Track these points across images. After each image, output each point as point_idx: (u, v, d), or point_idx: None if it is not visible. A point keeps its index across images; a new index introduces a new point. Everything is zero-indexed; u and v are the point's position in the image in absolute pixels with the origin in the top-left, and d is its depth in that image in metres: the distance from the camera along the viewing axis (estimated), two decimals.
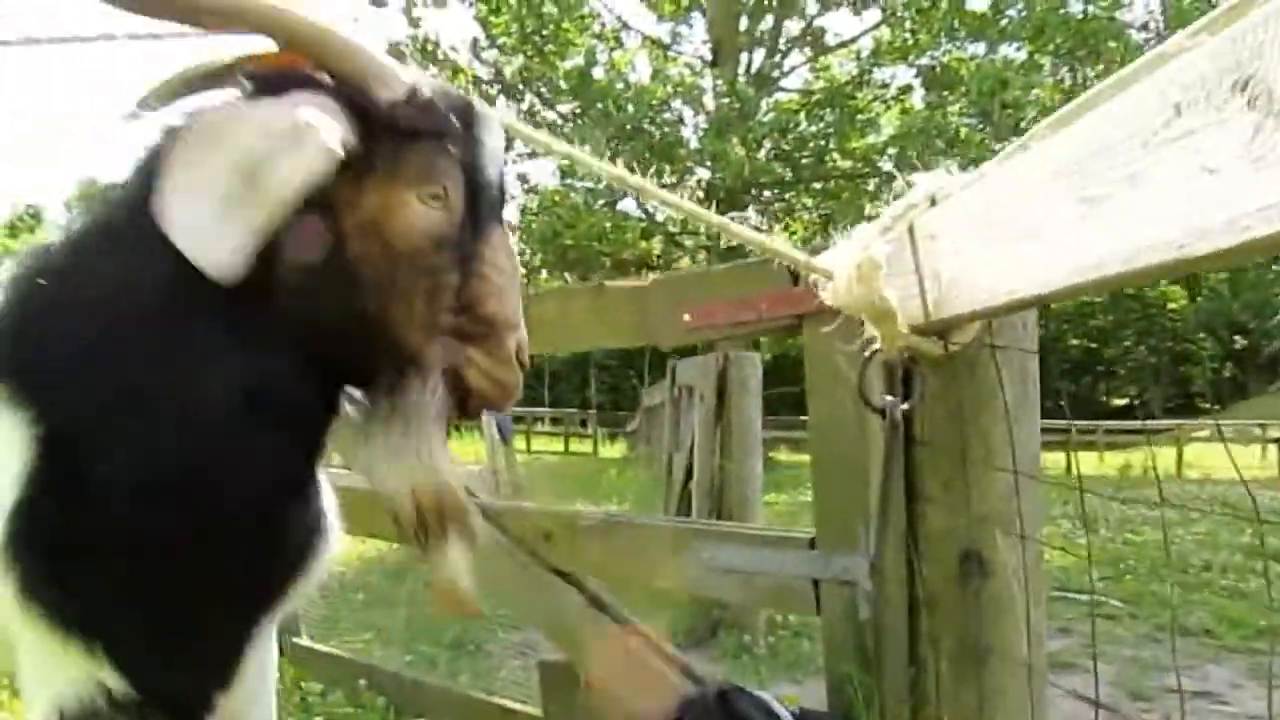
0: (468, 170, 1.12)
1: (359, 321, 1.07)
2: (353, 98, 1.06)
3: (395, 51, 16.84)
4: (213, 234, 0.95)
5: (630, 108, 15.30)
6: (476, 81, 17.32)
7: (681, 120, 16.41)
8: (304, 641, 3.61)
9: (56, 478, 1.05)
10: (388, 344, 1.08)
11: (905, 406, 1.51)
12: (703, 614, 4.80)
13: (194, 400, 1.03)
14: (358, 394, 1.14)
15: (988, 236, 1.12)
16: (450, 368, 1.11)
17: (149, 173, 1.03)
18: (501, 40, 17.52)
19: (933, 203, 1.32)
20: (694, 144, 16.00)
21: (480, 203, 1.13)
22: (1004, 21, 16.25)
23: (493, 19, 17.51)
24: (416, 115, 1.08)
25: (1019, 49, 16.47)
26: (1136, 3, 16.65)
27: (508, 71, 17.32)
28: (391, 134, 1.07)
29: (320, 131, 0.98)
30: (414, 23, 17.26)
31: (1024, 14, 15.93)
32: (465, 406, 1.15)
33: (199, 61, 1.10)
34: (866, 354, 1.48)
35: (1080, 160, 0.91)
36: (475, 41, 17.53)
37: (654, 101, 15.64)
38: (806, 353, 1.85)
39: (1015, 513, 1.48)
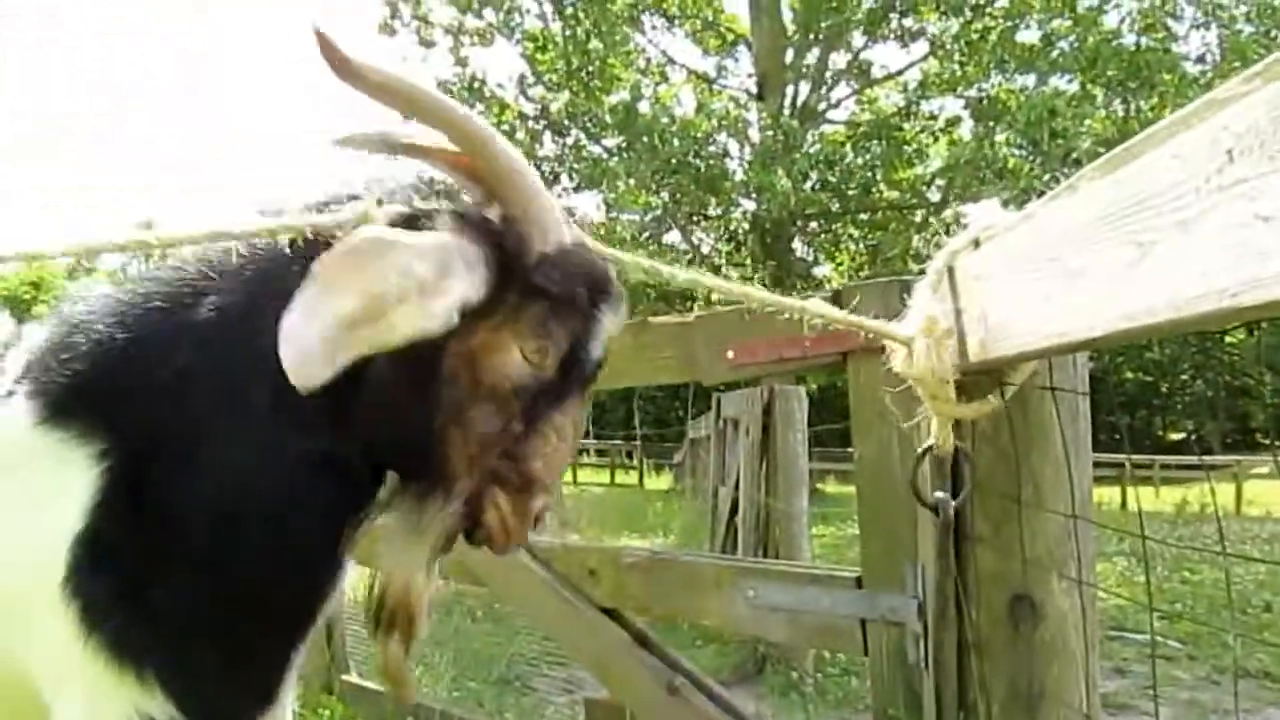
0: (575, 342, 1.16)
1: (418, 430, 1.13)
2: (505, 243, 1.11)
3: (443, 90, 17.16)
4: (315, 352, 0.99)
5: (675, 141, 15.39)
6: (523, 118, 17.55)
7: (727, 153, 16.47)
8: (353, 679, 3.63)
9: (124, 510, 1.11)
10: (432, 459, 1.14)
11: (956, 503, 1.51)
12: (750, 651, 4.75)
13: (262, 447, 1.13)
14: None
15: (1036, 277, 1.12)
16: (474, 498, 1.16)
17: (270, 268, 1.14)
18: (547, 76, 17.75)
19: (976, 245, 1.32)
20: (739, 176, 16.04)
21: (572, 373, 1.18)
22: (1055, 53, 16.12)
23: (539, 56, 17.76)
24: (557, 278, 1.12)
25: (1070, 81, 16.32)
26: (1192, 35, 16.40)
27: (553, 108, 17.52)
28: (525, 286, 1.11)
29: (451, 296, 1.04)
30: (461, 61, 17.56)
31: (1076, 46, 15.79)
32: (470, 536, 1.21)
33: (403, 131, 1.19)
34: (919, 450, 1.48)
35: (1130, 204, 0.91)
36: (522, 78, 17.77)
37: (698, 135, 15.71)
38: (852, 390, 1.84)
39: (1069, 555, 1.46)
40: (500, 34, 17.63)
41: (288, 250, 1.12)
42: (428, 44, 17.63)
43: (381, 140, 1.17)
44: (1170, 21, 15.86)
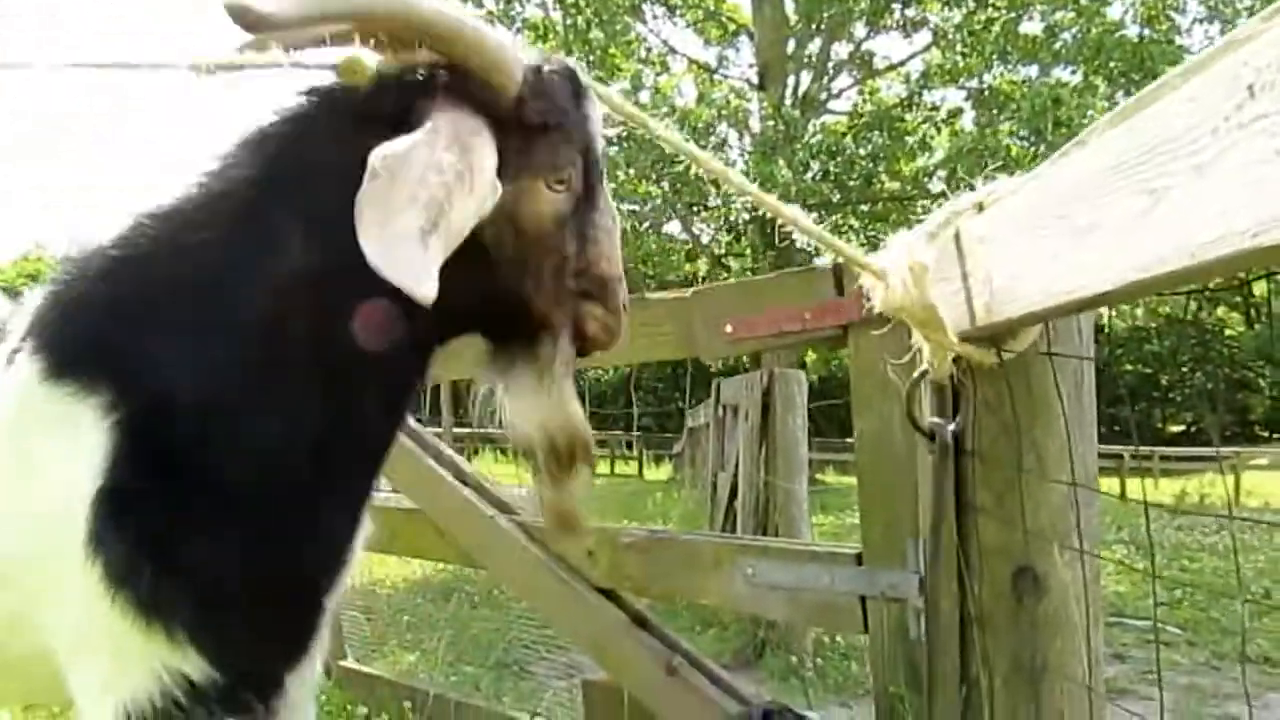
0: (584, 149, 1.21)
1: (495, 297, 1.17)
2: (487, 98, 1.11)
3: None
4: (419, 269, 0.99)
5: (676, 131, 15.34)
6: None
7: (727, 143, 16.41)
8: (350, 664, 3.61)
9: (144, 462, 1.08)
10: (522, 313, 1.19)
11: (954, 428, 1.48)
12: (749, 635, 4.74)
13: (304, 377, 1.12)
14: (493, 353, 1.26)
15: (1044, 234, 1.09)
16: (573, 321, 1.23)
17: (276, 174, 1.13)
18: None
19: (980, 209, 1.29)
20: (740, 166, 15.99)
21: (591, 173, 1.22)
22: (1058, 45, 16.07)
23: (539, 45, 17.69)
24: (542, 108, 1.14)
25: (1073, 72, 16.27)
26: (1195, 29, 16.38)
27: None
28: (520, 128, 1.13)
29: (487, 172, 1.06)
30: None
31: (1079, 37, 15.74)
32: (583, 351, 1.27)
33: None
34: (915, 375, 1.45)
35: (1142, 152, 0.88)
36: None
37: (699, 125, 15.66)
38: (852, 364, 1.81)
39: (1072, 527, 1.43)
40: (500, 23, 17.55)
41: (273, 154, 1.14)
42: None
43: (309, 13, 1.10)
44: (1174, 14, 15.82)
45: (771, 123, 15.60)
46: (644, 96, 17.24)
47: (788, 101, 16.54)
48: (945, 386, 1.48)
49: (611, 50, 17.51)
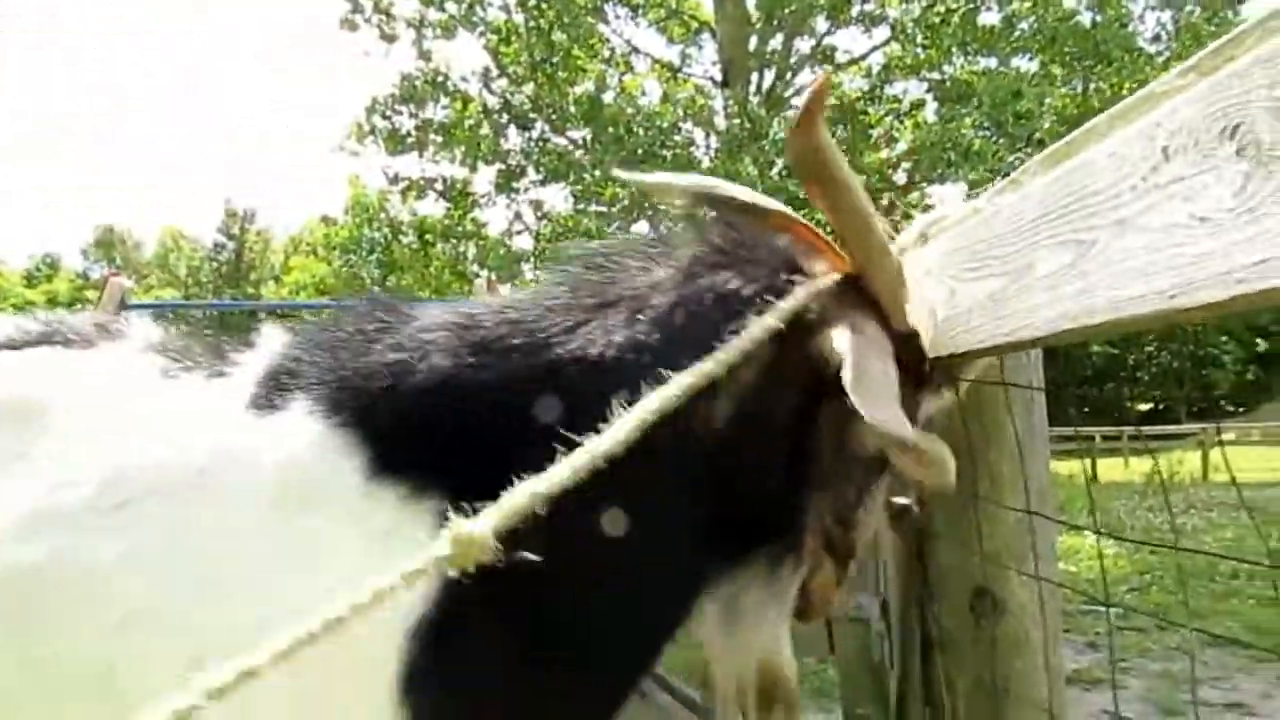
0: (914, 419, 1.17)
1: (789, 493, 1.10)
2: (888, 324, 1.12)
3: (406, 85, 17.02)
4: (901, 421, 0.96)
5: (641, 132, 15.34)
6: (487, 111, 17.44)
7: (693, 142, 16.43)
8: None
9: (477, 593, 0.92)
10: (794, 523, 1.11)
11: (917, 507, 1.51)
12: None
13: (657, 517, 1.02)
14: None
15: (981, 274, 1.10)
16: (811, 564, 1.16)
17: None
18: (512, 69, 17.64)
19: (924, 240, 1.30)
20: (706, 165, 16.01)
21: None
22: (1015, 34, 16.23)
23: (503, 48, 17.63)
24: (915, 358, 1.15)
25: (1031, 60, 16.45)
26: (1148, 16, 16.65)
27: (517, 100, 17.42)
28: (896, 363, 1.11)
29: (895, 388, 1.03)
30: (424, 55, 17.42)
31: (1035, 25, 15.92)
32: (797, 611, 1.20)
33: (694, 183, 1.21)
34: None
35: (1071, 201, 0.89)
36: (486, 71, 17.65)
37: (664, 125, 15.68)
38: None
39: (1028, 549, 1.45)
40: (463, 27, 17.49)
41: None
42: (390, 38, 17.46)
43: (706, 194, 1.18)
44: (1126, 2, 16.02)
45: (737, 121, 15.65)
46: (608, 97, 17.22)
47: (752, 99, 16.58)
48: None
49: (575, 52, 17.49)
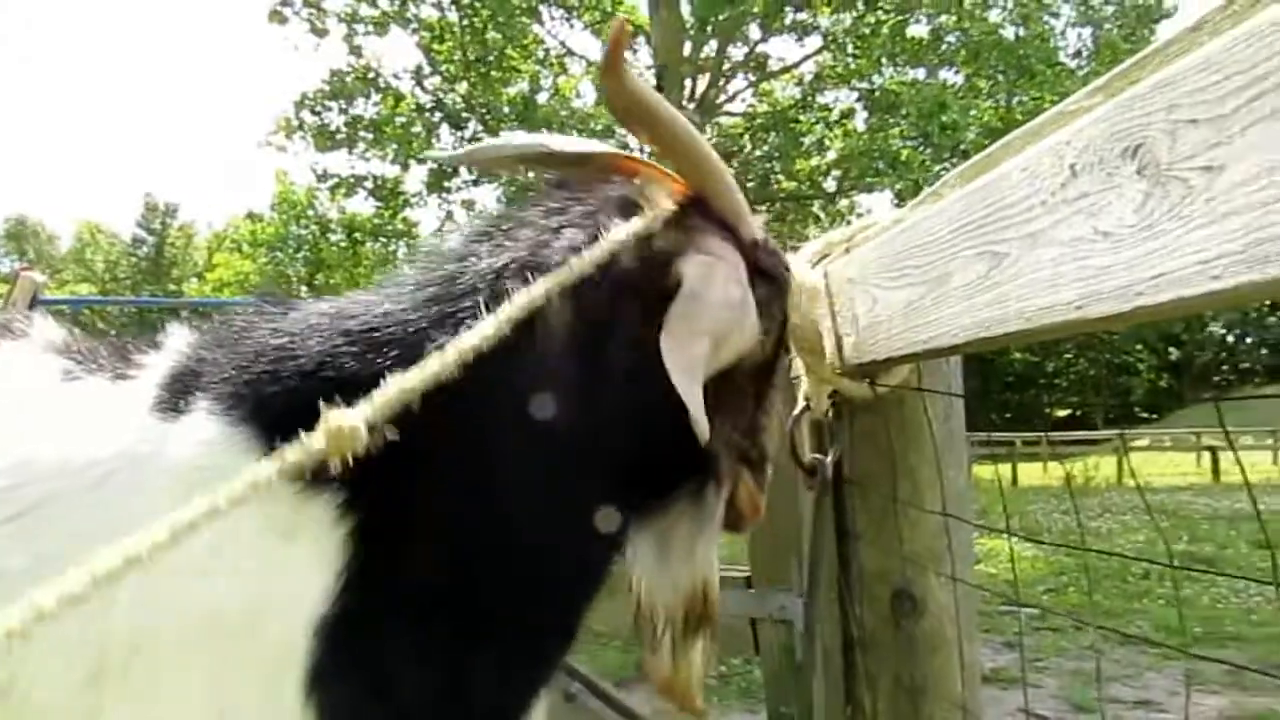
0: (783, 314, 1.20)
1: (683, 432, 1.07)
2: (741, 240, 1.11)
3: (337, 80, 16.77)
4: (698, 402, 0.95)
5: (575, 133, 15.34)
6: (419, 109, 17.26)
7: (628, 146, 16.49)
8: None
9: (383, 585, 0.93)
10: (700, 455, 1.09)
11: (832, 459, 1.53)
12: None
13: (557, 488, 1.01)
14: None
15: (901, 283, 1.13)
16: (730, 483, 1.17)
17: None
18: (445, 67, 17.49)
19: (848, 248, 1.33)
20: None
21: (780, 345, 1.21)
22: (943, 47, 16.63)
23: (436, 46, 17.48)
24: (770, 260, 1.15)
25: (957, 73, 16.86)
26: (1069, 32, 17.22)
27: (450, 99, 17.28)
28: (750, 271, 1.11)
29: (753, 311, 1.05)
30: (355, 50, 17.18)
31: (962, 40, 16.33)
32: (726, 521, 1.20)
33: (517, 144, 1.22)
34: (794, 412, 1.49)
35: (985, 214, 0.92)
36: (418, 69, 17.48)
37: (599, 128, 15.69)
38: None
39: (946, 549, 1.49)
40: (395, 23, 17.29)
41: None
42: (320, 32, 17.18)
43: (532, 153, 1.20)
44: (1049, 18, 16.52)
45: None
46: (542, 98, 17.18)
47: (686, 104, 16.68)
48: (824, 419, 1.52)
49: (509, 51, 17.42)
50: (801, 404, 1.48)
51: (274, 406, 0.94)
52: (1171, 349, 38.73)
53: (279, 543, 0.90)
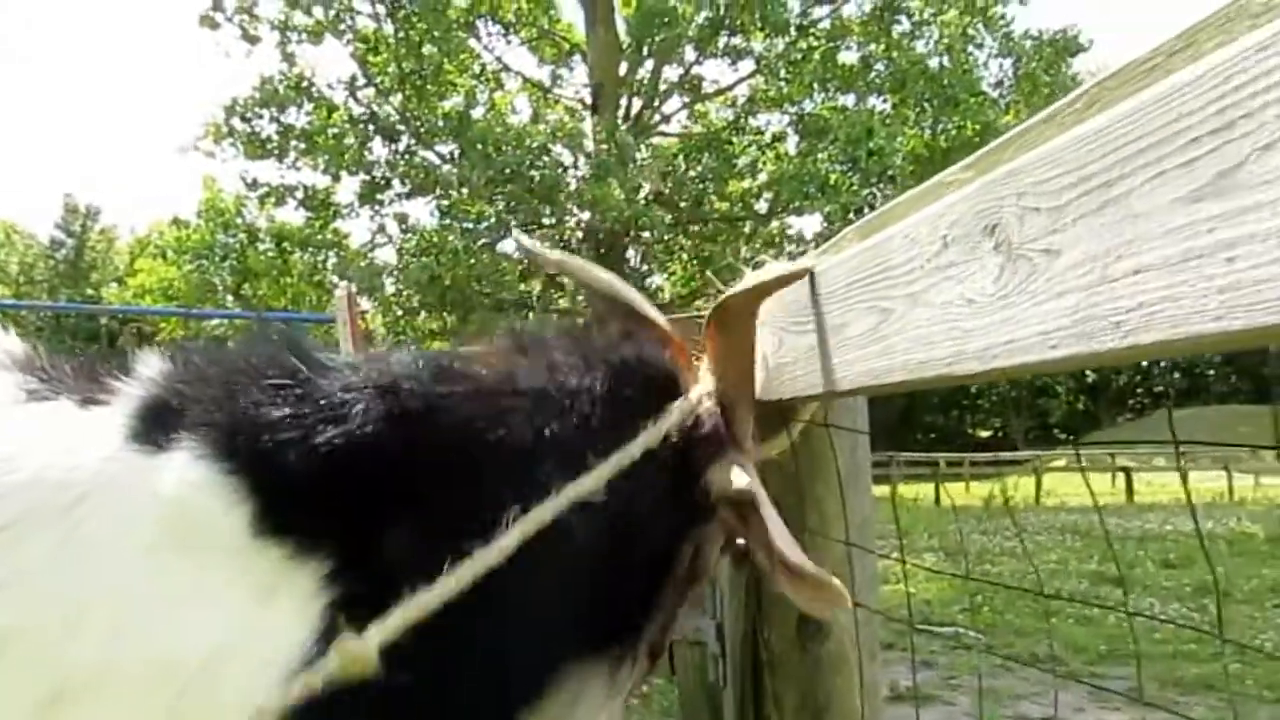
0: None
1: (646, 607, 1.17)
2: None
3: (268, 88, 16.55)
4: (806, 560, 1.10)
5: (510, 150, 15.35)
6: (352, 120, 17.12)
7: (562, 164, 16.55)
8: None
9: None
10: (641, 633, 1.16)
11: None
12: None
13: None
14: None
15: (803, 329, 1.21)
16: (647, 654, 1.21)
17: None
18: (379, 79, 17.38)
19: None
20: (574, 187, 16.14)
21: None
22: (871, 75, 17.05)
23: (371, 58, 17.36)
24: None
25: (885, 100, 17.29)
26: (991, 63, 17.77)
27: (384, 111, 17.17)
28: None
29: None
30: (288, 58, 16.98)
31: (889, 68, 16.77)
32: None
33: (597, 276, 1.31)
34: None
35: (876, 271, 1.00)
36: (353, 79, 17.33)
37: (534, 145, 15.73)
38: None
39: (849, 576, 1.57)
40: (330, 33, 17.14)
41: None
42: (252, 39, 16.95)
43: (604, 292, 1.29)
44: (973, 49, 17.05)
45: (605, 145, 15.84)
46: (477, 113, 17.16)
47: (621, 124, 16.82)
48: None
49: (445, 66, 17.37)
50: None
51: (273, 469, 0.92)
52: (1088, 372, 39.93)
53: (256, 603, 0.88)
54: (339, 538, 0.91)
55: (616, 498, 1.03)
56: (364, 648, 0.82)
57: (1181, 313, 0.58)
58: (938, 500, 18.10)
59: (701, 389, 1.19)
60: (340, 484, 0.93)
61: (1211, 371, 43.56)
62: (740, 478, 1.11)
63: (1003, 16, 17.42)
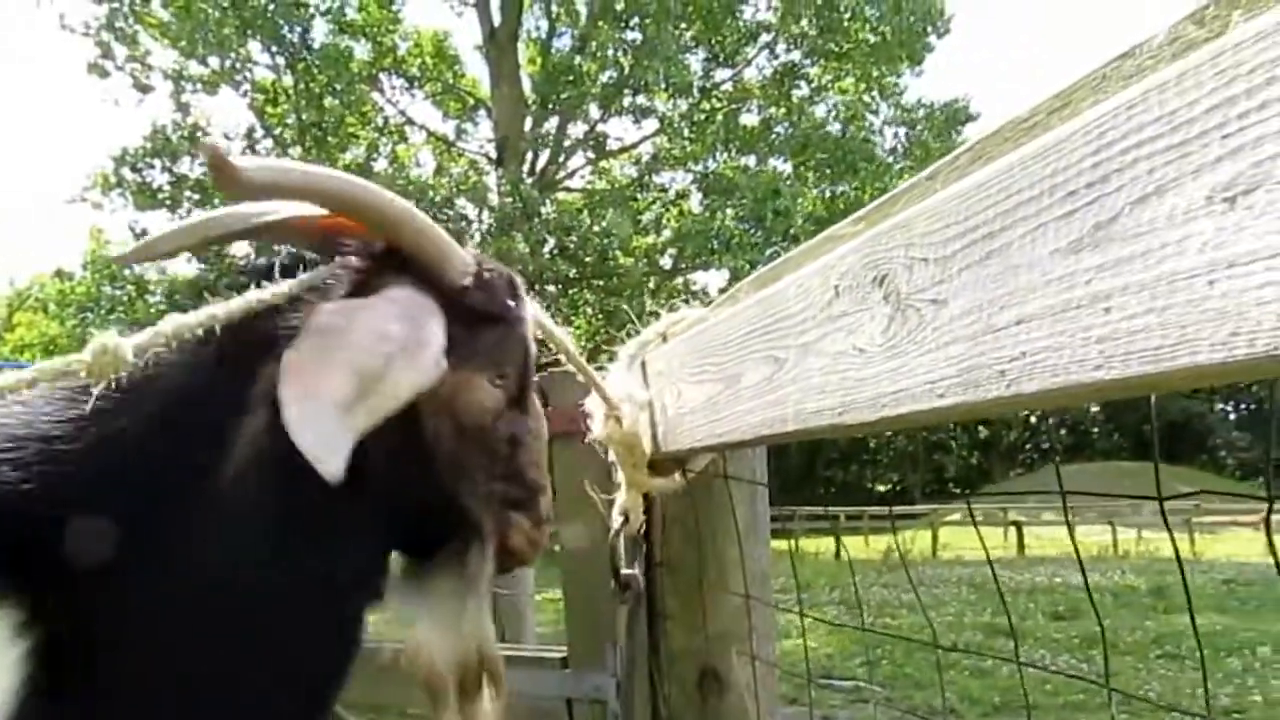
0: (521, 348, 1.18)
1: (432, 496, 1.09)
2: (439, 284, 1.08)
3: (161, 137, 16.16)
4: (332, 441, 0.88)
5: (413, 203, 15.24)
6: None
7: (466, 217, 16.51)
8: None
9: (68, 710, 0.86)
10: (456, 516, 1.11)
11: (641, 575, 1.59)
12: None
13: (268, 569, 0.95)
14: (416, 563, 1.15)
15: (703, 378, 1.21)
16: (499, 531, 1.16)
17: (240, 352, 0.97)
18: (278, 130, 17.14)
19: (664, 339, 1.41)
20: (478, 240, 16.10)
21: (525, 376, 1.19)
22: (772, 137, 17.55)
23: (269, 109, 17.14)
24: (485, 299, 1.12)
25: (786, 162, 17.80)
26: (887, 130, 18.53)
27: None
28: (464, 317, 1.09)
29: (434, 347, 0.99)
30: (182, 107, 16.63)
31: (790, 131, 17.29)
32: (505, 566, 1.20)
33: (231, 216, 1.10)
34: (614, 528, 1.54)
35: (770, 322, 1.01)
36: (250, 130, 17.05)
37: (437, 198, 15.67)
38: (554, 475, 1.89)
39: (748, 629, 1.56)
40: (226, 83, 16.87)
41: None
42: (144, 88, 16.56)
43: (245, 226, 1.10)
44: (870, 116, 17.72)
45: (510, 199, 15.88)
46: (380, 165, 17.04)
47: (526, 178, 16.90)
48: (639, 539, 1.58)
49: (347, 118, 17.24)
50: (619, 519, 1.53)
51: None
52: (981, 427, 41.24)
53: None
54: (29, 575, 0.85)
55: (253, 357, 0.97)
56: (117, 339, 0.80)
57: (1062, 362, 0.59)
58: (838, 554, 18.31)
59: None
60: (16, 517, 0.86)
61: (1096, 429, 45.46)
62: (322, 315, 0.98)
63: (896, 85, 18.17)
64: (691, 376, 1.26)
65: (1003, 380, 0.64)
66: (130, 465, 0.92)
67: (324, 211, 1.09)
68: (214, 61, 16.66)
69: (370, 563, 1.08)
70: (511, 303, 1.17)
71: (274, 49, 16.67)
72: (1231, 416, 46.04)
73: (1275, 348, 0.45)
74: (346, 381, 0.91)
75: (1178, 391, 0.79)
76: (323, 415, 0.89)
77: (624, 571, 1.58)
